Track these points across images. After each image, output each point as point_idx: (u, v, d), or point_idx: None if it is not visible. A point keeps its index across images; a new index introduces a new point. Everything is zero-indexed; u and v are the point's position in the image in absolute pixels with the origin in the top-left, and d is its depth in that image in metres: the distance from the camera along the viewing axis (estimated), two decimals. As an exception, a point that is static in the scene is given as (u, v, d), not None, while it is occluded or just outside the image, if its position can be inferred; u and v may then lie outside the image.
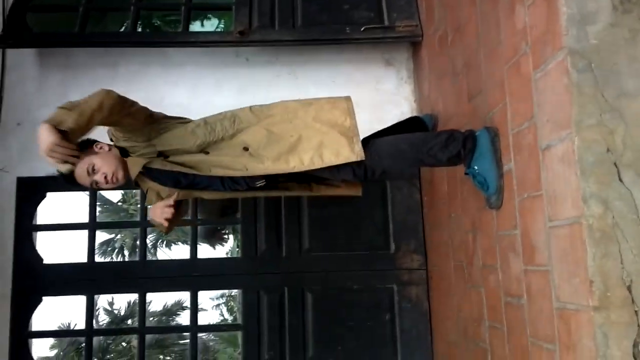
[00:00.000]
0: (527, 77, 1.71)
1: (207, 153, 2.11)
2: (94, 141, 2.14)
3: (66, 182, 2.12)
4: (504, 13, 1.91)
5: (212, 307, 17.93)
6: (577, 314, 1.44)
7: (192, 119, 2.25)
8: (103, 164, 2.06)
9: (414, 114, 3.24)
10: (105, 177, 2.07)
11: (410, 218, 3.19)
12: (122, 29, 4.43)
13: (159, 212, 2.18)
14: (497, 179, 1.92)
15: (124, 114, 2.01)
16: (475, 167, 1.98)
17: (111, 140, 2.19)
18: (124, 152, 2.15)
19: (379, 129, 2.46)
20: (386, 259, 3.16)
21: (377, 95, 3.33)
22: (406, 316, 3.10)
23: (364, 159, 2.02)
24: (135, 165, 2.12)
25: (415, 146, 2.06)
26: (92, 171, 2.05)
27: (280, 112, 2.14)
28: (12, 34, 3.18)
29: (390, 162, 2.17)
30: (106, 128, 2.17)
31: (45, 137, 1.80)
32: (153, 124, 2.14)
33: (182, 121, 2.23)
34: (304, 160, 2.05)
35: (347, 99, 2.17)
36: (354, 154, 2.01)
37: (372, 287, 3.14)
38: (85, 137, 2.08)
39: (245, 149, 2.09)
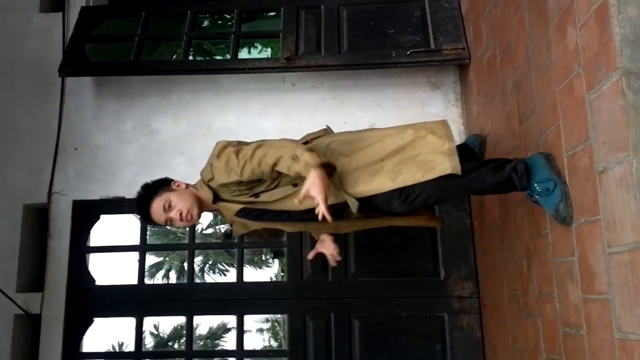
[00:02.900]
0: (580, 98, 1.67)
1: (296, 185, 2.02)
2: (171, 180, 2.16)
3: (142, 219, 2.16)
4: (554, 34, 1.88)
5: (257, 330, 17.99)
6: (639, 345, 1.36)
7: None
8: (179, 201, 2.05)
9: (462, 137, 3.20)
10: (181, 214, 2.06)
11: (461, 243, 3.11)
12: (174, 57, 4.60)
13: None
14: (560, 185, 1.82)
15: None
16: (535, 184, 1.90)
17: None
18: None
19: None
20: (436, 286, 3.08)
21: (423, 119, 3.28)
22: (458, 346, 3.00)
23: (459, 173, 1.92)
24: (229, 211, 2.13)
25: (463, 172, 1.97)
26: (168, 208, 2.05)
27: (375, 140, 2.06)
28: (71, 63, 3.35)
29: (434, 192, 2.01)
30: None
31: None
32: None
33: None
34: (401, 178, 1.96)
35: (444, 123, 2.09)
36: (450, 167, 1.91)
37: (422, 315, 3.07)
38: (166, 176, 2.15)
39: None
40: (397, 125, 2.14)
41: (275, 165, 1.89)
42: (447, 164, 1.91)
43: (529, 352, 2.24)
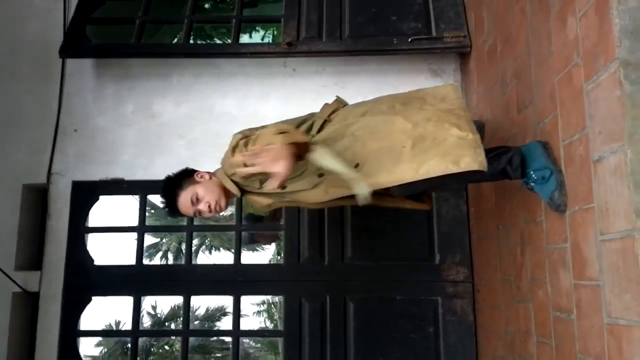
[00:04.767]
0: (578, 88, 1.69)
1: (322, 175, 1.98)
2: (195, 170, 2.13)
3: (169, 214, 2.13)
4: (555, 24, 1.89)
5: (253, 313, 18.12)
6: (629, 330, 1.40)
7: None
8: (206, 193, 2.04)
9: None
10: (209, 206, 2.04)
11: (456, 229, 3.15)
12: (174, 41, 4.59)
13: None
14: (556, 173, 1.85)
15: None
16: (531, 172, 1.93)
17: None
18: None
19: None
20: (431, 271, 3.13)
21: (423, 106, 3.32)
22: (451, 329, 3.05)
23: (485, 169, 1.84)
24: (261, 207, 2.14)
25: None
26: (196, 201, 2.04)
27: (398, 126, 1.97)
28: (72, 44, 3.35)
29: (437, 183, 1.97)
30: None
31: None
32: None
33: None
34: (425, 169, 1.86)
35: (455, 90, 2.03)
36: (476, 163, 1.82)
37: (416, 299, 3.11)
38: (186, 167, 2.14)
39: (356, 165, 1.94)
40: (413, 100, 2.08)
41: None
42: (471, 159, 1.82)
43: (520, 336, 2.29)
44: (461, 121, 1.92)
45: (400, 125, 1.96)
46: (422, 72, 3.39)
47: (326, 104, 2.20)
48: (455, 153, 1.84)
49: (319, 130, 2.07)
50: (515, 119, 2.33)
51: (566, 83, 1.79)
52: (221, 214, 2.23)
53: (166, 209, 2.13)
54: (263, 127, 2.00)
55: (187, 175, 2.10)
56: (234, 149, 1.91)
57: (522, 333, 2.28)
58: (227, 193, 2.09)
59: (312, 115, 2.18)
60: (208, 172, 2.12)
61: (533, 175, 1.92)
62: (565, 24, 1.79)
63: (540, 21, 2.04)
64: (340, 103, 2.21)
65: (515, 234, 2.35)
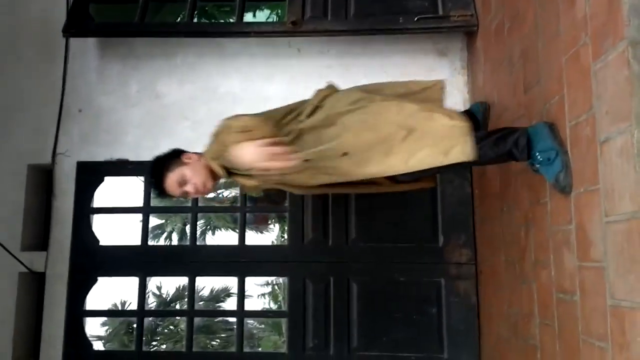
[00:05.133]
0: (586, 68, 1.67)
1: (307, 161, 1.99)
2: (182, 151, 2.16)
3: (157, 194, 2.18)
4: (563, 3, 1.86)
5: (258, 295, 18.24)
6: (632, 312, 1.40)
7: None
8: (193, 175, 2.08)
9: (466, 105, 3.20)
10: (196, 188, 2.08)
11: (460, 211, 3.15)
12: (178, 20, 4.55)
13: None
14: (561, 155, 1.83)
15: None
16: (537, 153, 1.91)
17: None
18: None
19: None
20: (434, 252, 3.13)
21: (429, 86, 3.29)
22: (453, 310, 3.06)
23: (474, 159, 1.90)
24: (249, 189, 2.19)
25: None
26: (183, 182, 2.08)
27: (389, 118, 2.00)
28: (75, 23, 3.32)
29: (440, 168, 2.02)
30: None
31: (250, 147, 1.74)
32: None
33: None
34: (414, 160, 1.93)
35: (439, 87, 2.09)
36: (464, 154, 1.89)
37: (419, 280, 3.12)
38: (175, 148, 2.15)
39: (344, 154, 1.99)
40: (401, 91, 2.12)
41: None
42: (460, 148, 1.88)
43: (523, 317, 2.30)
44: (452, 111, 1.98)
45: (392, 116, 1.99)
46: (428, 52, 3.36)
47: (319, 89, 2.21)
48: (445, 144, 1.91)
49: (309, 116, 2.08)
50: (522, 99, 2.30)
51: (574, 63, 1.77)
52: (212, 195, 2.26)
53: (154, 190, 2.16)
54: (246, 115, 1.99)
55: (175, 156, 2.13)
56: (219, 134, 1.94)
57: (524, 315, 2.28)
58: (213, 175, 2.12)
59: (302, 102, 2.19)
60: (196, 153, 2.14)
61: (539, 157, 1.90)
62: (573, 2, 1.76)
63: (548, 0, 2.01)
64: (332, 89, 2.22)
65: (519, 216, 2.34)
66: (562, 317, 1.89)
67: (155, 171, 2.13)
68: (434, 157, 1.90)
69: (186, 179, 2.07)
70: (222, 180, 2.28)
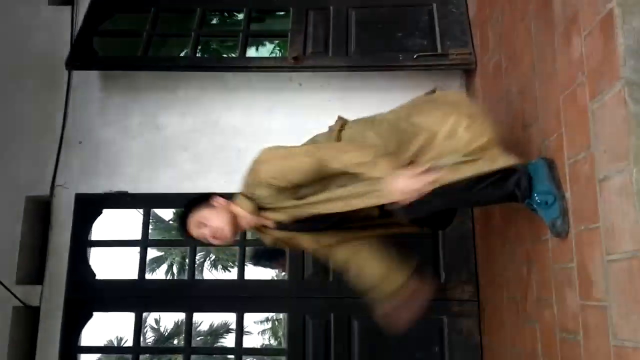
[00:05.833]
0: (583, 107, 1.68)
1: (344, 186, 1.94)
2: (212, 194, 2.07)
3: (181, 234, 2.10)
4: (560, 43, 1.89)
5: (258, 332, 18.00)
6: (636, 353, 1.37)
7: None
8: (213, 219, 1.98)
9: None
10: (212, 232, 1.99)
11: (462, 247, 3.11)
12: (181, 55, 4.62)
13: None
14: (559, 200, 1.82)
15: None
16: (535, 195, 1.89)
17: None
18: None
19: None
20: (436, 289, 3.08)
21: (428, 123, 3.31)
22: (456, 349, 3.00)
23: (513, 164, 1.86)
24: (268, 236, 2.13)
25: (465, 185, 1.88)
26: (203, 224, 1.99)
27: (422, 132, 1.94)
28: (79, 56, 3.37)
29: (439, 202, 1.93)
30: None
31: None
32: None
33: None
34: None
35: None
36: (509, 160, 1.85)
37: (421, 317, 3.06)
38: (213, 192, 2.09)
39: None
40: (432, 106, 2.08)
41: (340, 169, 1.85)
42: (504, 158, 1.85)
43: (527, 357, 2.25)
44: (484, 123, 1.91)
45: (424, 128, 1.93)
46: (426, 88, 3.35)
47: (331, 125, 2.18)
48: (487, 154, 1.85)
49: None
50: (520, 136, 2.31)
51: (571, 101, 1.78)
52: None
53: (178, 228, 2.11)
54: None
55: (206, 198, 2.05)
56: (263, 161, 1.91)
57: (528, 354, 2.24)
58: (236, 222, 2.01)
59: (313, 139, 2.14)
60: (226, 200, 2.04)
61: (537, 199, 1.88)
62: (570, 42, 1.79)
63: (545, 39, 2.04)
64: (343, 120, 2.20)
65: (521, 253, 2.32)
66: (566, 357, 1.85)
67: (184, 209, 2.07)
68: (478, 166, 1.84)
69: (205, 221, 1.99)
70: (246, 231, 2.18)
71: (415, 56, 3.20)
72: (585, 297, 1.69)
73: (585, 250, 1.68)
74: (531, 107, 2.18)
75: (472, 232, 3.13)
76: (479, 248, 3.07)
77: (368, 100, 3.37)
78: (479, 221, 3.07)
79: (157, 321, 17.68)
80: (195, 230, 2.02)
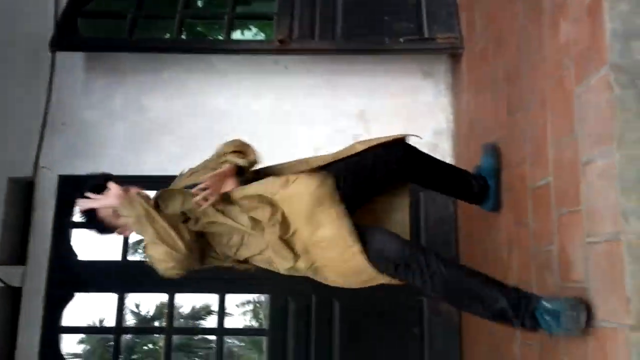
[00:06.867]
0: (569, 91, 1.70)
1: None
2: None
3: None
4: (547, 27, 1.90)
5: (239, 314, 18.03)
6: (613, 333, 1.41)
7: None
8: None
9: (450, 126, 3.24)
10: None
11: (443, 231, 3.15)
12: (166, 37, 4.56)
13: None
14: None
15: None
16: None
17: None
18: None
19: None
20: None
21: (413, 106, 3.33)
22: (436, 330, 3.05)
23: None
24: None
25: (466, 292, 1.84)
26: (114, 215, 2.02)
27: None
28: (63, 37, 3.30)
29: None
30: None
31: None
32: None
33: None
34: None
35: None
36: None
37: (402, 299, 3.11)
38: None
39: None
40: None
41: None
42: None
43: (505, 338, 2.30)
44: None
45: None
46: (413, 72, 3.40)
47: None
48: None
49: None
50: (505, 121, 2.33)
51: (557, 86, 1.80)
52: None
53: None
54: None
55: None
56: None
57: (506, 335, 2.28)
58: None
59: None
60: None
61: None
62: (557, 27, 1.80)
63: (532, 24, 2.05)
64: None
65: (502, 236, 2.36)
66: (544, 338, 1.89)
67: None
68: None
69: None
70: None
71: (401, 40, 3.20)
72: (564, 279, 1.72)
73: (566, 233, 1.71)
74: (517, 92, 2.20)
75: (454, 215, 3.16)
76: (460, 232, 3.11)
77: (355, 84, 3.39)
78: (461, 205, 3.10)
79: (137, 305, 17.61)
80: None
